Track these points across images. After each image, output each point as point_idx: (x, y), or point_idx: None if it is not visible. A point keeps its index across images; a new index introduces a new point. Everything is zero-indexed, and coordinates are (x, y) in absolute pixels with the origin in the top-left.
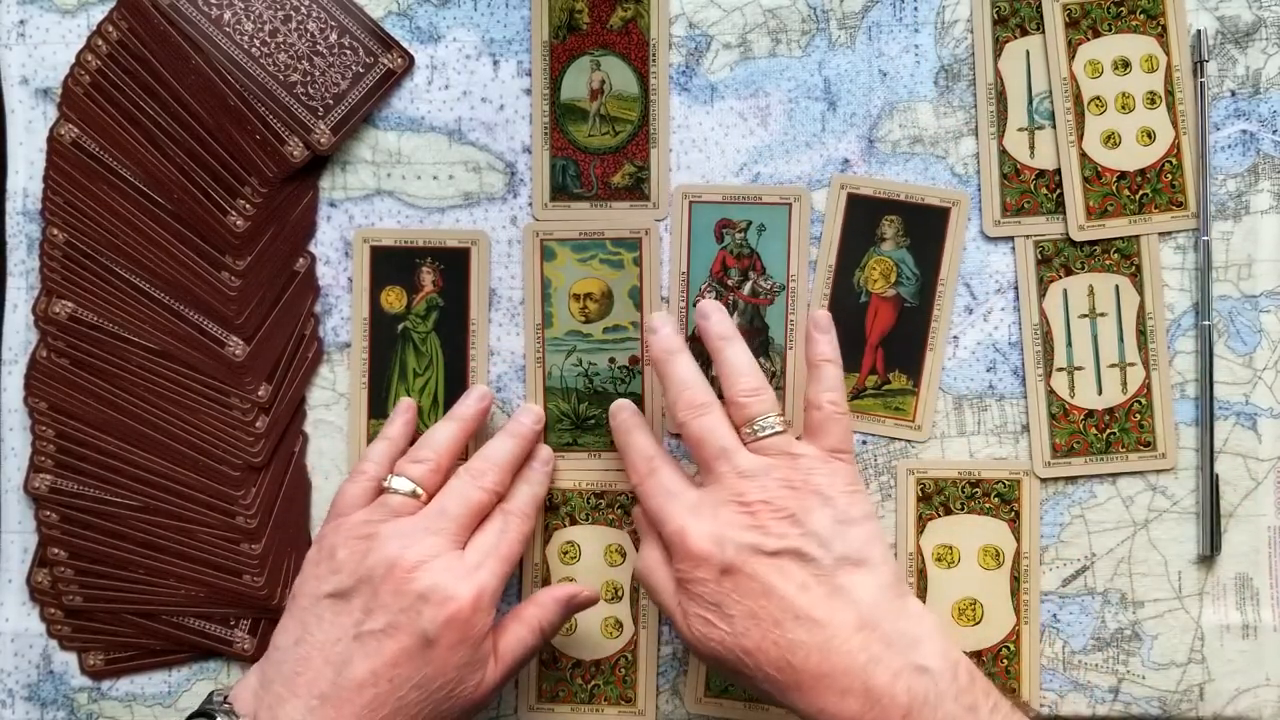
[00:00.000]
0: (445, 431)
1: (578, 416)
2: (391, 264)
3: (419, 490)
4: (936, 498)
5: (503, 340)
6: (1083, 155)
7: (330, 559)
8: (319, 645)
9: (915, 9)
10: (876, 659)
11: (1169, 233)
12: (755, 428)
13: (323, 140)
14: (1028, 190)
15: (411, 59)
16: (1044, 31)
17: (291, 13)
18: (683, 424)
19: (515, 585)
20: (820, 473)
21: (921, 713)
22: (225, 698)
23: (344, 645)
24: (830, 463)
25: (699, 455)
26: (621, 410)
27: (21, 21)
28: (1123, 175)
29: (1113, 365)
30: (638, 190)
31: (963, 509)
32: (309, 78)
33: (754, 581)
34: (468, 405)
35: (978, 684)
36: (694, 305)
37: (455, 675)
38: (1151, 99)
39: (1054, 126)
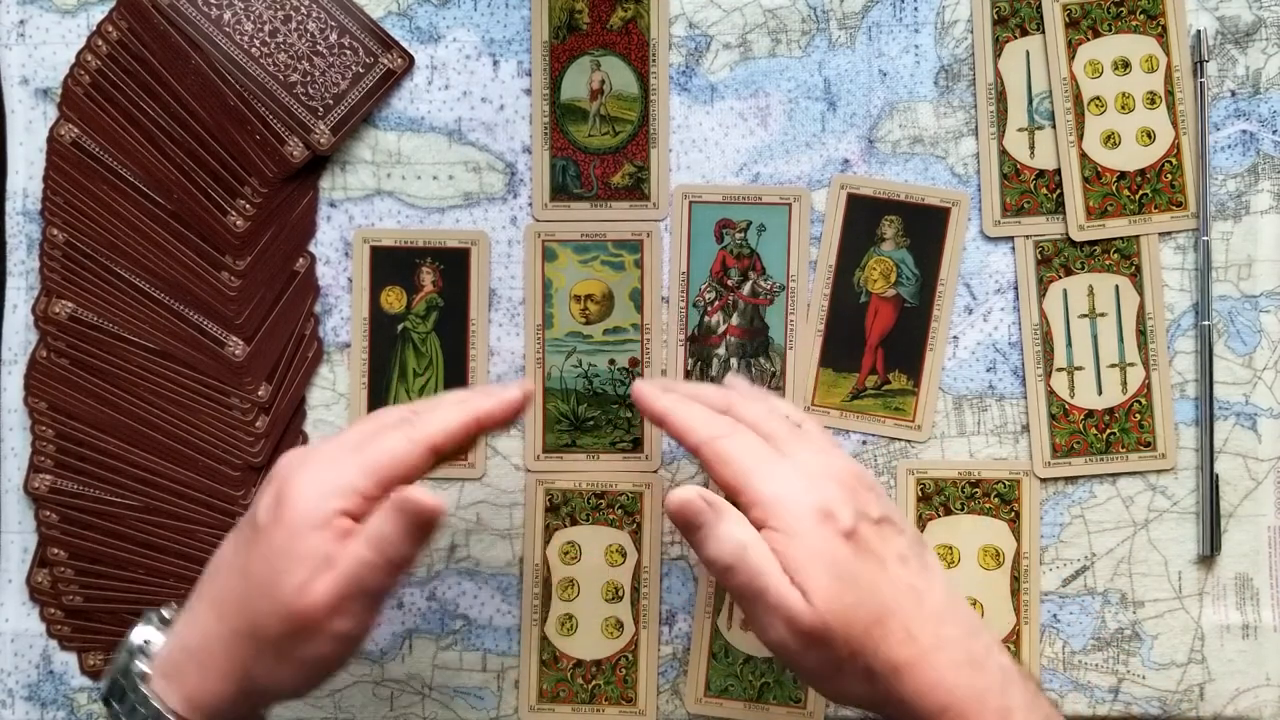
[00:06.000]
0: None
1: (577, 417)
2: (391, 264)
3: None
4: (936, 498)
5: (503, 340)
6: (1083, 155)
7: None
8: None
9: (915, 9)
10: (973, 631)
11: (1169, 233)
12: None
13: (323, 140)
14: (1028, 190)
15: (411, 59)
16: (1044, 31)
17: (291, 13)
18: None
19: (515, 586)
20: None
21: (1010, 688)
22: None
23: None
24: None
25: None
26: (645, 390)
27: (21, 21)
28: (1123, 175)
29: (1113, 365)
30: (638, 190)
31: (963, 509)
32: (309, 78)
33: (870, 549)
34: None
35: (1022, 669)
36: (693, 305)
37: (270, 570)
38: (1151, 99)
39: (1054, 126)
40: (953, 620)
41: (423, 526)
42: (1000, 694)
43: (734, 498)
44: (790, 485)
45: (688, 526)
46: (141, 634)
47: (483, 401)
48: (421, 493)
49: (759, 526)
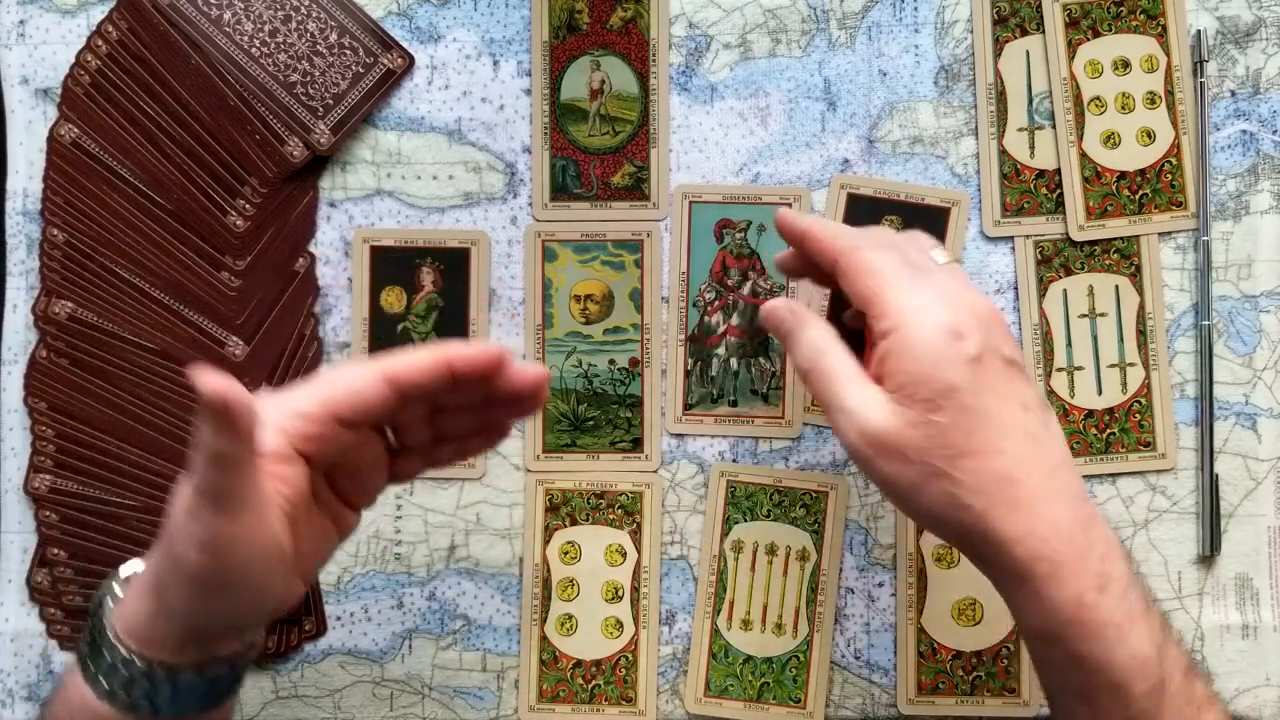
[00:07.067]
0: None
1: (577, 417)
2: (391, 264)
3: None
4: None
5: (502, 340)
6: (1083, 155)
7: None
8: None
9: (915, 9)
10: (1083, 498)
11: (1169, 233)
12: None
13: (323, 140)
14: (1028, 190)
15: (411, 59)
16: (1044, 31)
17: (291, 13)
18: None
19: (515, 586)
20: None
21: (1112, 558)
22: None
23: None
24: None
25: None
26: (787, 213)
27: (21, 21)
28: (1123, 175)
29: (1112, 365)
30: (638, 190)
31: None
32: (309, 78)
33: (991, 383)
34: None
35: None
36: (693, 305)
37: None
38: (1151, 99)
39: (1054, 126)
40: (1065, 480)
41: (216, 410)
42: (1100, 560)
43: (867, 309)
44: (925, 301)
45: (776, 334)
46: (131, 566)
47: (458, 346)
48: (214, 377)
49: (883, 337)
